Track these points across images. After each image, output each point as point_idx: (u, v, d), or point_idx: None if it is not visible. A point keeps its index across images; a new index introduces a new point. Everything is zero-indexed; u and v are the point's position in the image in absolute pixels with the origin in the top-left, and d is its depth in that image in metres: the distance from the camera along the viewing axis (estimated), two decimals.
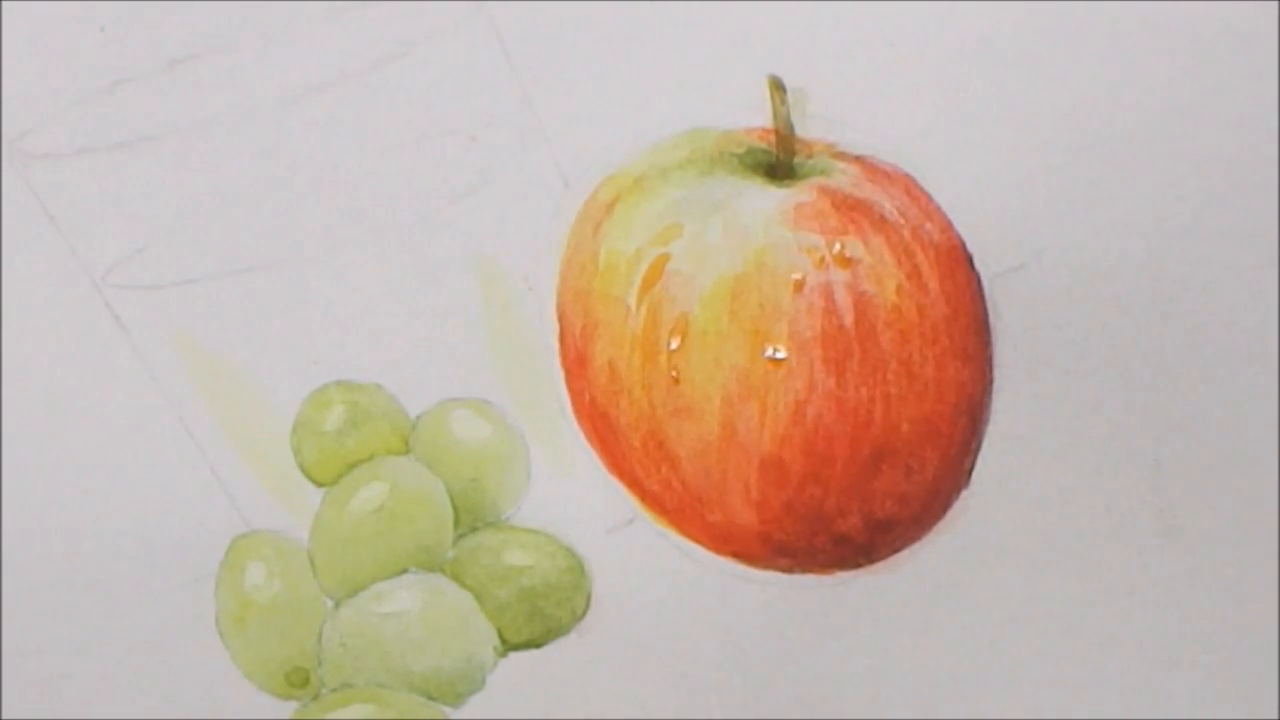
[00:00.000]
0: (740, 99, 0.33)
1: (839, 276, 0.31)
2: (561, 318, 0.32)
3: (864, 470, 0.31)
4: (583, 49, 0.33)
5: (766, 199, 0.32)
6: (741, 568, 0.31)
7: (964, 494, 0.32)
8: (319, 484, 0.32)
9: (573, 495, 0.32)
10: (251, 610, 0.31)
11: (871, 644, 0.31)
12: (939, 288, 0.31)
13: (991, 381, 0.32)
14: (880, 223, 0.31)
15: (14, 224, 0.32)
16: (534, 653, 0.31)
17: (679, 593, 0.31)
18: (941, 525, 0.32)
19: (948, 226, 0.32)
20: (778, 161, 0.32)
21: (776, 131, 0.33)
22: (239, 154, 0.32)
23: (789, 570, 0.32)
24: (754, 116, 0.33)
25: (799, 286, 0.31)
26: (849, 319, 0.31)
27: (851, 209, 0.31)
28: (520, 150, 0.33)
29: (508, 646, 0.31)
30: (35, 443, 0.31)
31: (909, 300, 0.31)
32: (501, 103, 0.33)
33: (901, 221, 0.31)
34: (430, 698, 0.31)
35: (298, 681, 0.31)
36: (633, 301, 0.32)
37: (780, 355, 0.31)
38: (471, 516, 0.32)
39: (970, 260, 0.32)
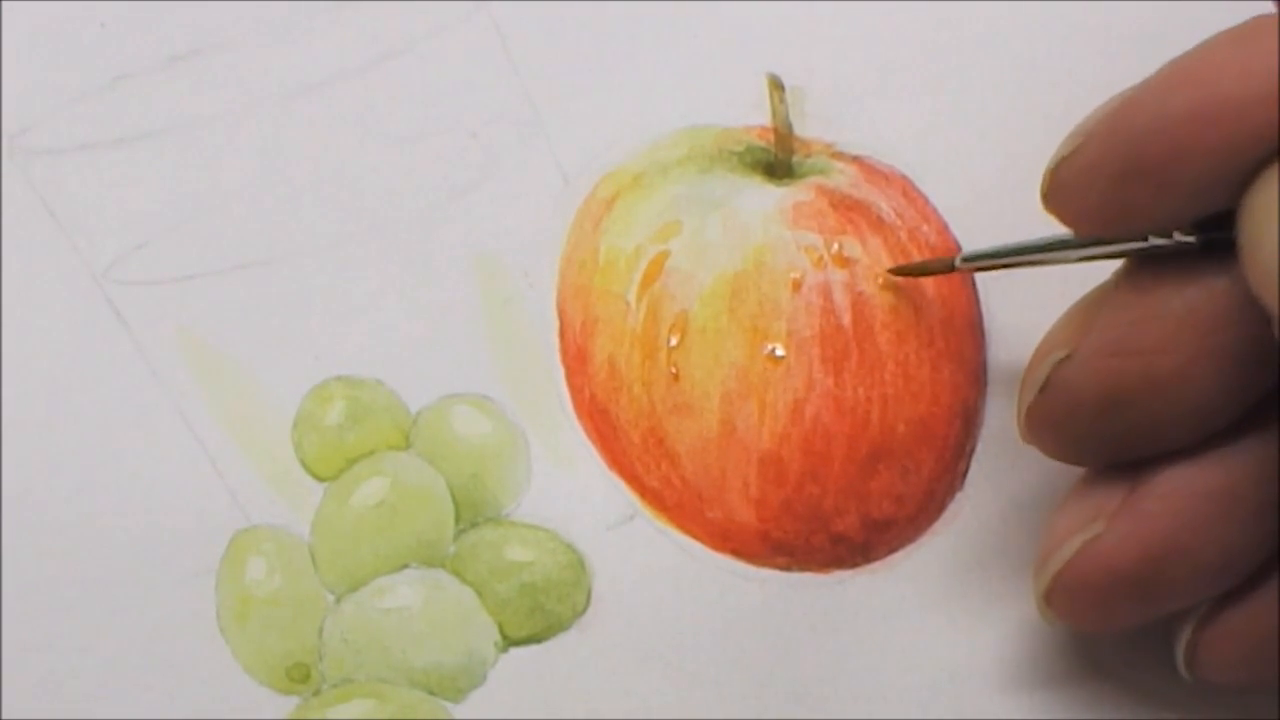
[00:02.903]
0: (739, 97, 0.33)
1: (837, 276, 0.31)
2: (561, 314, 0.32)
3: (861, 470, 0.31)
4: (583, 46, 0.33)
5: (765, 197, 0.32)
6: (740, 565, 0.32)
7: (959, 496, 0.32)
8: (320, 479, 0.32)
9: (573, 491, 0.32)
10: (252, 605, 0.31)
11: (868, 643, 0.32)
12: (935, 290, 0.31)
13: (985, 385, 0.32)
14: (878, 224, 0.32)
15: (14, 220, 0.32)
16: (535, 648, 0.31)
17: (678, 590, 0.32)
18: (937, 526, 0.32)
19: (944, 229, 0.32)
20: (776, 160, 0.33)
21: (775, 130, 0.33)
22: (240, 150, 0.32)
23: (787, 568, 0.32)
24: (753, 115, 0.33)
25: (797, 285, 0.31)
26: (846, 319, 0.31)
27: (849, 209, 0.32)
28: (520, 147, 0.33)
29: (508, 642, 0.31)
30: (35, 438, 0.31)
31: (905, 302, 0.31)
32: (502, 99, 0.33)
33: (898, 223, 0.32)
34: (431, 693, 0.31)
35: (299, 677, 0.31)
36: (632, 298, 0.32)
37: (779, 353, 0.31)
38: (472, 512, 0.32)
39: None
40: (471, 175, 0.33)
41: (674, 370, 0.31)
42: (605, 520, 0.32)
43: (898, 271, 0.31)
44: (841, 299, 0.31)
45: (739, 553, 0.32)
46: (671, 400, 0.31)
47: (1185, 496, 0.27)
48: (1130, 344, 0.26)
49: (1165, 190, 0.25)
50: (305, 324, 0.32)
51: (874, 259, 0.31)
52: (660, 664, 0.31)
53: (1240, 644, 0.28)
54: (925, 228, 0.32)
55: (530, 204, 0.33)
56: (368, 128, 0.32)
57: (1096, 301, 0.27)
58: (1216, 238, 0.26)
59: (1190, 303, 0.26)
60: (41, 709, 0.31)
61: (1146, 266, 0.27)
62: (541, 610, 0.31)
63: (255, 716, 0.31)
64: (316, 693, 0.31)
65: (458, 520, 0.32)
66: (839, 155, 0.33)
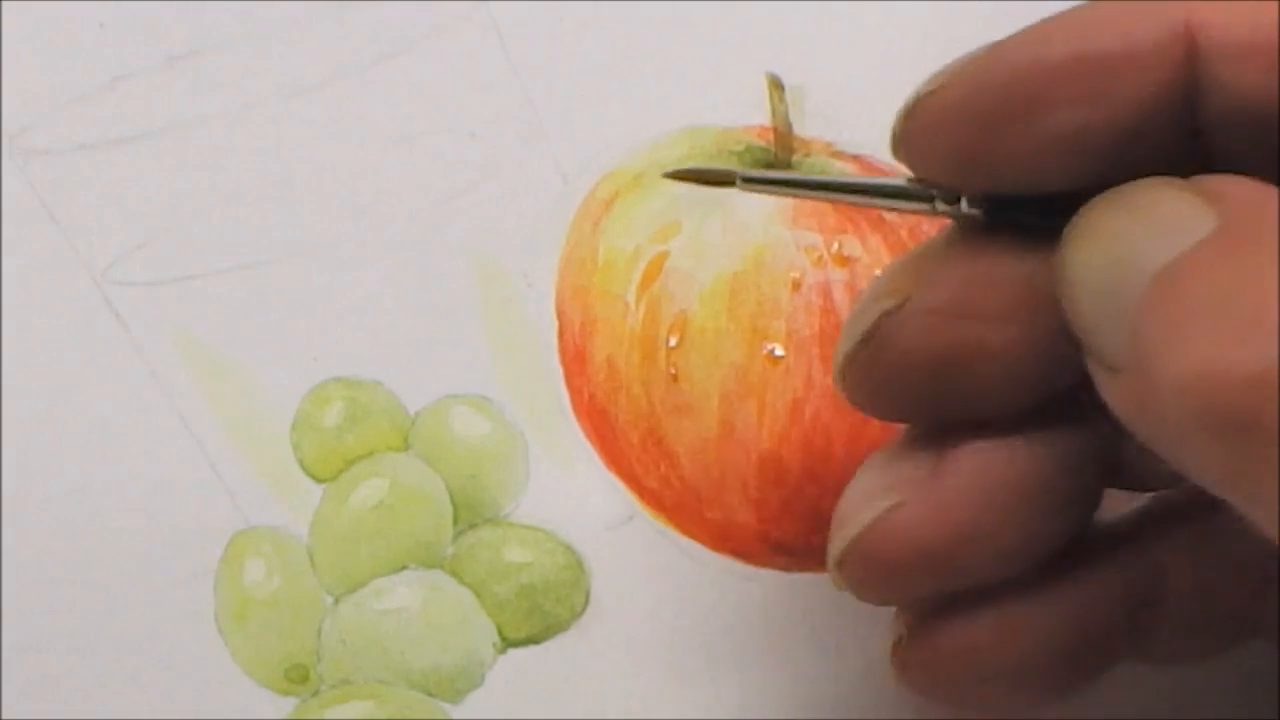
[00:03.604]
0: (739, 97, 0.33)
1: (837, 275, 0.31)
2: (560, 315, 0.32)
3: None
4: (582, 46, 0.33)
5: (765, 197, 0.32)
6: (740, 565, 0.32)
7: None
8: (318, 480, 0.32)
9: (572, 492, 0.32)
10: (251, 606, 0.31)
11: (869, 642, 0.31)
12: None
13: None
14: (878, 222, 0.31)
15: (13, 220, 0.32)
16: (533, 649, 0.31)
17: (677, 590, 0.31)
18: None
19: (946, 225, 0.32)
20: (776, 160, 0.33)
21: (775, 130, 0.33)
22: (239, 150, 0.32)
23: (787, 568, 0.32)
24: (753, 114, 0.33)
25: (797, 285, 0.31)
26: (847, 313, 0.31)
27: (850, 207, 0.31)
28: (519, 147, 0.33)
29: (507, 643, 0.31)
30: (34, 439, 0.31)
31: None
32: (501, 100, 0.33)
33: (899, 221, 0.32)
34: (429, 694, 0.31)
35: (297, 678, 0.31)
36: (631, 299, 0.32)
37: (779, 353, 0.31)
38: (471, 513, 0.32)
39: None
40: (471, 175, 0.33)
41: (673, 371, 0.31)
42: (604, 521, 0.32)
43: (674, 175, 0.30)
44: (842, 298, 0.31)
45: (738, 553, 0.32)
46: (671, 401, 0.31)
47: (992, 477, 0.26)
48: (968, 307, 0.25)
49: (1025, 144, 0.23)
50: (304, 325, 0.32)
51: (875, 257, 0.31)
52: (659, 664, 0.31)
53: (951, 661, 0.27)
54: (927, 224, 0.32)
55: (530, 204, 0.33)
56: (366, 128, 0.32)
57: (930, 253, 0.26)
58: (1008, 218, 0.24)
59: (1030, 273, 0.24)
60: (41, 709, 0.31)
61: (980, 229, 0.25)
62: (540, 611, 0.31)
63: (254, 717, 0.31)
64: (315, 694, 0.31)
65: (456, 521, 0.32)
66: (839, 154, 0.33)
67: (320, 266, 0.32)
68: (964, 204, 0.25)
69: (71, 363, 0.32)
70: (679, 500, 0.32)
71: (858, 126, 0.32)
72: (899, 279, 0.26)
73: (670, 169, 0.28)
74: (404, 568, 0.32)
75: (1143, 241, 0.22)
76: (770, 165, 0.32)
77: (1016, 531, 0.26)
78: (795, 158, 0.32)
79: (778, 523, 0.31)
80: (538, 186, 0.33)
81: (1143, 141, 0.23)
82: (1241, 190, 0.22)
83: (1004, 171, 0.24)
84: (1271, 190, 0.22)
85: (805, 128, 0.33)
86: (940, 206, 0.25)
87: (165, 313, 0.32)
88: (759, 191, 0.27)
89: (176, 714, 0.31)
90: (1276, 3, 0.23)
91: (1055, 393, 0.26)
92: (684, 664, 0.31)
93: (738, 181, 0.27)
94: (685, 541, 0.32)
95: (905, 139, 0.25)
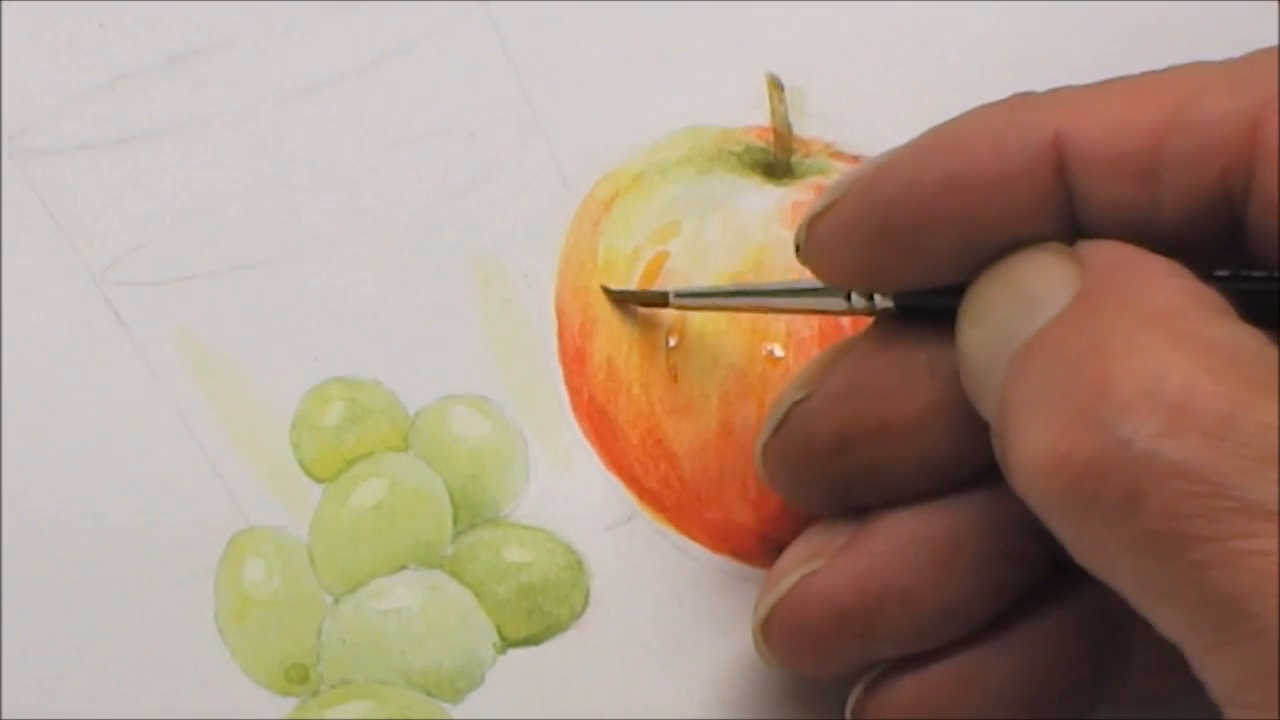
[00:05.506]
0: (739, 97, 0.33)
1: None
2: (560, 315, 0.32)
3: None
4: (582, 46, 0.33)
5: (764, 198, 0.32)
6: (739, 566, 0.32)
7: None
8: (318, 480, 0.32)
9: (571, 492, 0.32)
10: (251, 606, 0.31)
11: None
12: None
13: None
14: None
15: (13, 220, 0.32)
16: (533, 649, 0.31)
17: (677, 590, 0.31)
18: None
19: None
20: (775, 160, 0.33)
21: (774, 130, 0.33)
22: (239, 150, 0.32)
23: None
24: (752, 115, 0.33)
25: None
26: (845, 319, 0.31)
27: None
28: (519, 148, 0.33)
29: (506, 643, 0.31)
30: (34, 439, 0.31)
31: None
32: (500, 100, 0.33)
33: None
34: (429, 694, 0.31)
35: (297, 678, 0.31)
36: None
37: (778, 353, 0.31)
38: (470, 513, 0.32)
39: None
40: (470, 176, 0.33)
41: (673, 371, 0.31)
42: (604, 521, 0.32)
43: (614, 296, 0.31)
44: None
45: (737, 553, 0.32)
46: (670, 401, 0.31)
47: (908, 539, 0.26)
48: (868, 388, 0.26)
49: (914, 256, 0.25)
50: (304, 325, 0.32)
51: None
52: (658, 665, 0.31)
53: (907, 713, 0.27)
54: None
55: (529, 205, 0.33)
56: (366, 128, 0.32)
57: (843, 348, 0.27)
58: (915, 306, 0.26)
59: (932, 355, 0.26)
60: (41, 709, 0.31)
61: (895, 319, 0.27)
62: (540, 611, 0.31)
63: (253, 717, 0.31)
64: (315, 694, 0.31)
65: (456, 521, 0.32)
66: (838, 155, 0.33)
67: (320, 267, 0.32)
68: (877, 299, 0.26)
69: (71, 363, 0.32)
70: (678, 500, 0.32)
71: (857, 126, 0.33)
72: (812, 372, 0.27)
73: (612, 289, 0.31)
74: (404, 568, 0.32)
75: (1011, 317, 0.24)
76: (770, 165, 0.33)
77: (938, 592, 0.26)
78: (795, 158, 0.33)
79: (777, 523, 0.31)
80: (537, 187, 0.33)
81: (1029, 236, 0.24)
82: (1103, 254, 0.23)
83: (900, 276, 0.25)
84: (1132, 251, 0.23)
85: (805, 128, 0.33)
86: (856, 302, 0.27)
87: (165, 313, 0.32)
88: (690, 308, 0.30)
89: (176, 714, 0.31)
90: (1139, 112, 0.24)
91: (968, 467, 0.26)
92: (683, 664, 0.31)
93: (670, 299, 0.30)
94: (685, 541, 0.32)
95: (806, 253, 0.27)
